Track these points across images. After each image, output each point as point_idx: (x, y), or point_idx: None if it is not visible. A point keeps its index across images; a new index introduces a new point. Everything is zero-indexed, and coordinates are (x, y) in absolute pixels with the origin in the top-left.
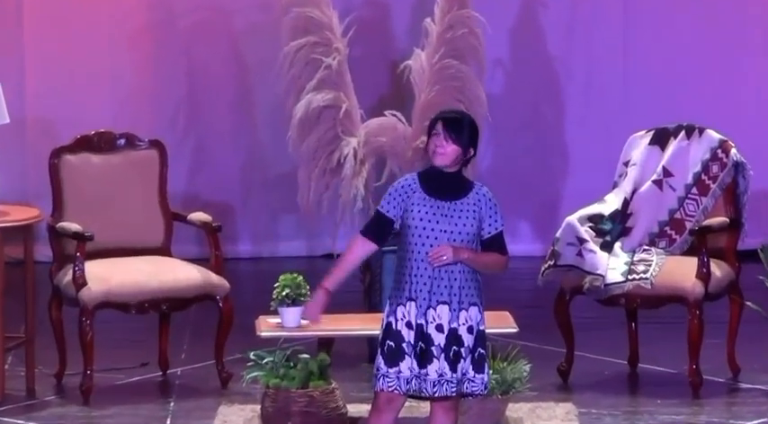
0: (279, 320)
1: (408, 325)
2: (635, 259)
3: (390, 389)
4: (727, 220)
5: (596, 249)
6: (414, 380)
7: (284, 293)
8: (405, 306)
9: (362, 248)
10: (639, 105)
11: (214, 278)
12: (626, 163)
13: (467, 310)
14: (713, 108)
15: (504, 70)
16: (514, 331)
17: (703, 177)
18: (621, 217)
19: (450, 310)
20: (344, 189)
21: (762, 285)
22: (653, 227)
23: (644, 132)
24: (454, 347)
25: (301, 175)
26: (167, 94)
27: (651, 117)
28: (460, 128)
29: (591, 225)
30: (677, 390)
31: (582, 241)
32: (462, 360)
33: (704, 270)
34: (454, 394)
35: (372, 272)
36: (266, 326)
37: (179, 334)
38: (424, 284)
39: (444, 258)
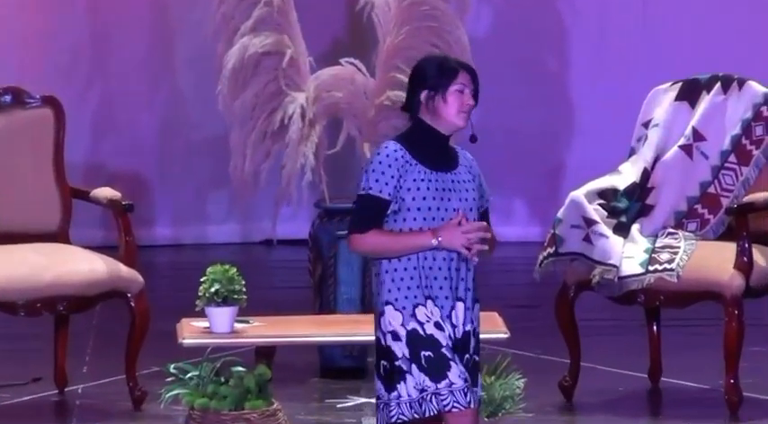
0: (206, 323)
1: (438, 326)
2: (657, 245)
3: (448, 408)
4: None
5: (608, 232)
6: (465, 392)
7: (213, 290)
8: (425, 306)
9: (377, 233)
10: (663, 51)
11: (124, 270)
12: (646, 124)
13: (473, 308)
14: (755, 54)
15: (493, 7)
16: (505, 336)
17: (744, 141)
18: (640, 193)
19: (465, 308)
20: (289, 157)
21: None
22: (680, 205)
23: (669, 84)
24: (472, 355)
25: (234, 140)
26: (63, 38)
27: (678, 66)
28: (477, 77)
29: (602, 202)
30: (711, 411)
31: (590, 222)
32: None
33: (745, 259)
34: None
35: (324, 263)
36: (190, 331)
37: (80, 342)
38: (445, 278)
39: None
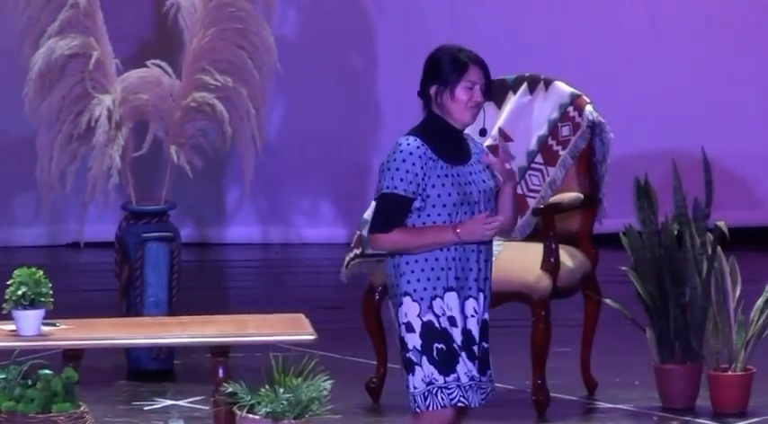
0: (13, 326)
1: (452, 321)
2: None
3: (454, 402)
4: (581, 196)
5: None
6: (475, 389)
7: (20, 292)
8: (443, 299)
9: (399, 232)
10: (472, 46)
11: None
12: None
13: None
14: (561, 55)
15: (299, 8)
16: (311, 338)
17: (551, 142)
18: None
19: (485, 297)
20: (96, 159)
21: (624, 277)
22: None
23: None
24: (484, 343)
25: (41, 142)
26: None
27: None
28: (489, 72)
29: None
30: (518, 411)
31: None
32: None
33: (552, 260)
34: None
35: (131, 265)
36: None
37: None
38: (471, 270)
39: (508, 165)
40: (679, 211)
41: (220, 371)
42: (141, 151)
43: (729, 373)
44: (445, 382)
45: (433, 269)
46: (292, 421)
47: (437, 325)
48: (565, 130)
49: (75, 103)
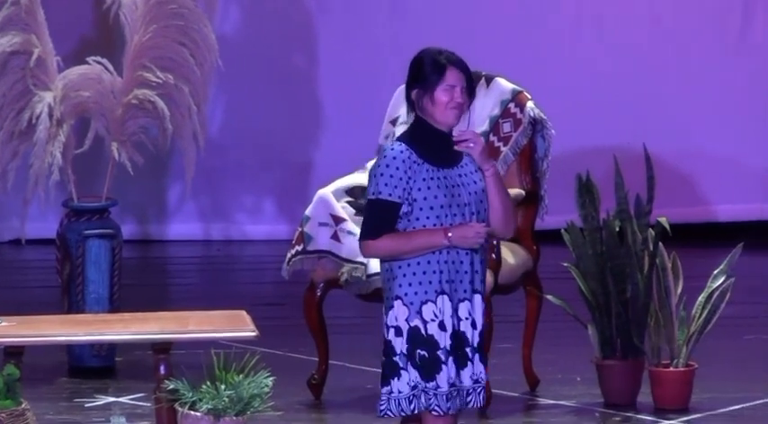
0: None
1: (441, 326)
2: None
3: (430, 408)
4: (523, 192)
5: (357, 230)
6: (455, 396)
7: None
8: (435, 303)
9: (388, 238)
10: (411, 49)
11: None
12: (393, 121)
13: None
14: (502, 51)
15: (240, 5)
16: (253, 335)
17: (492, 138)
18: None
19: (482, 300)
20: (37, 156)
21: (566, 273)
22: None
23: None
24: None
25: None
26: None
27: None
28: (469, 70)
29: (350, 199)
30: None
31: (338, 220)
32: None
33: (493, 256)
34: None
35: (73, 262)
36: None
37: None
38: (456, 271)
39: (471, 144)
40: (621, 207)
41: (162, 368)
42: (83, 148)
43: (671, 369)
44: (425, 388)
45: (424, 272)
46: (234, 418)
47: (423, 331)
48: (506, 127)
49: (17, 101)
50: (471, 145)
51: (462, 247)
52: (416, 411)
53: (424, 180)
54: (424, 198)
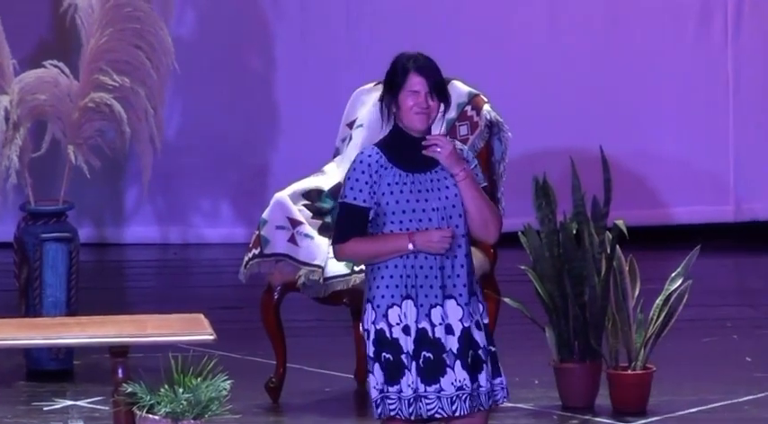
0: None
1: (406, 330)
2: None
3: (393, 413)
4: None
5: (314, 233)
6: (417, 401)
7: None
8: (400, 307)
9: (357, 241)
10: (367, 51)
11: None
12: (350, 124)
13: (470, 303)
14: (458, 53)
15: (196, 8)
16: (211, 338)
17: None
18: None
19: (457, 305)
20: None
21: (523, 276)
22: None
23: (372, 85)
24: (471, 350)
25: None
26: None
27: (382, 66)
28: (438, 73)
29: (307, 203)
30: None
31: (295, 223)
32: (485, 365)
33: None
34: (483, 409)
35: (30, 266)
36: None
37: None
38: (426, 276)
39: (438, 149)
40: (578, 210)
41: (120, 371)
42: (39, 151)
43: (629, 372)
44: (388, 391)
45: (392, 276)
46: (192, 421)
47: (387, 334)
48: (463, 129)
49: None
50: (438, 150)
51: (428, 252)
52: (382, 416)
53: (389, 184)
54: (389, 203)
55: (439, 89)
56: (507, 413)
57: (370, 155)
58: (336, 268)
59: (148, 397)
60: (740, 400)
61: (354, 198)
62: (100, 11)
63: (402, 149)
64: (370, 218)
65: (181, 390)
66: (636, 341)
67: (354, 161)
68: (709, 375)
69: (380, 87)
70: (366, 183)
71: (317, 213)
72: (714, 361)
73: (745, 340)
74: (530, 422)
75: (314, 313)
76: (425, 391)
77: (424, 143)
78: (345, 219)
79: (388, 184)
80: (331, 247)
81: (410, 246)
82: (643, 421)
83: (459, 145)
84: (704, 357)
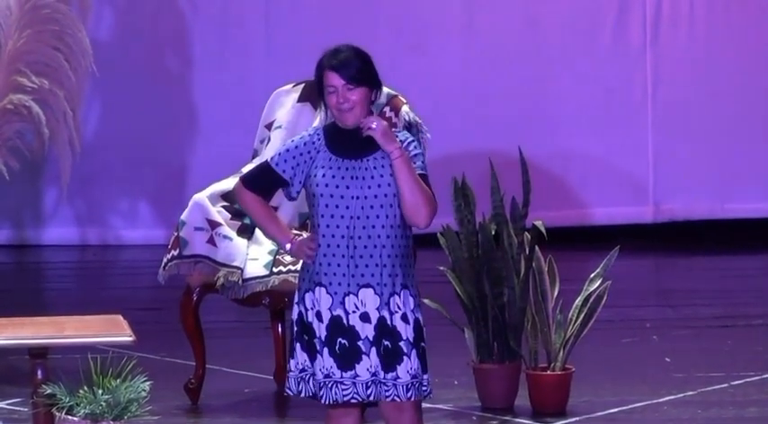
0: None
1: (318, 316)
2: None
3: (309, 394)
4: None
5: (232, 235)
6: (329, 386)
7: None
8: (313, 293)
9: (257, 201)
10: (286, 52)
11: None
12: (269, 126)
13: (398, 294)
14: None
15: (115, 8)
16: (130, 339)
17: None
18: None
19: (375, 294)
20: None
21: (442, 277)
22: (305, 206)
23: (291, 86)
24: (385, 341)
25: None
26: None
27: (301, 67)
28: (355, 63)
29: (225, 204)
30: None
31: (214, 224)
32: (406, 358)
33: None
34: (399, 400)
35: None
36: None
37: None
38: (338, 265)
39: (373, 125)
40: (496, 211)
41: (39, 372)
42: None
43: (548, 372)
44: (305, 371)
45: (312, 262)
46: (111, 423)
47: (305, 318)
48: None
49: None
50: (372, 126)
51: (297, 257)
52: (303, 394)
53: (321, 167)
54: (320, 185)
55: (360, 77)
56: (427, 414)
57: (310, 135)
58: (255, 269)
59: (68, 398)
60: (660, 400)
61: (277, 164)
62: (18, 12)
63: (339, 135)
64: (294, 196)
65: (100, 391)
66: (555, 342)
67: (298, 137)
68: (629, 375)
69: (299, 88)
70: (294, 158)
71: (236, 214)
72: (633, 362)
73: (664, 341)
74: (449, 423)
75: (233, 315)
76: (341, 377)
77: (360, 124)
78: (260, 173)
79: (321, 167)
80: (247, 241)
81: (287, 246)
82: (563, 422)
83: (403, 136)
84: (623, 357)
